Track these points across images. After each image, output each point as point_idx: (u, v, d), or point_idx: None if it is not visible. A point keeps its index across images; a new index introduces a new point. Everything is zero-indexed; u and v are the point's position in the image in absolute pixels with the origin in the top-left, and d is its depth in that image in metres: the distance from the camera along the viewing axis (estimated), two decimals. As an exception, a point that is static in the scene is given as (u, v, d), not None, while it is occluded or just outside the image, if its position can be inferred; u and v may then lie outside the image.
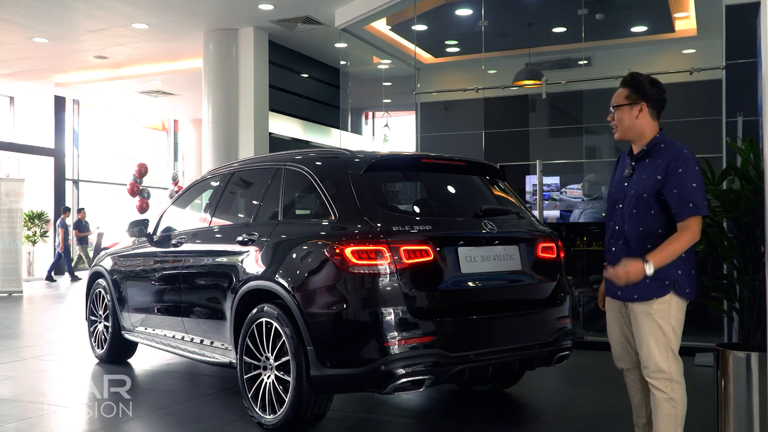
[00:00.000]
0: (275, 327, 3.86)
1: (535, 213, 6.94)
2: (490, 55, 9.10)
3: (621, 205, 3.12)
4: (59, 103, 16.91)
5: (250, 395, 4.04)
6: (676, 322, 3.03)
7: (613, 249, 3.17)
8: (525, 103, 9.80)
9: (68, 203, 17.22)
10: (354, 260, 3.55)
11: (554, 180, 9.42)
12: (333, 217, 3.83)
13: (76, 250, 15.92)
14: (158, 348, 5.35)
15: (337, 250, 3.61)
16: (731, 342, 3.85)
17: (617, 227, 3.14)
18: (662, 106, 3.12)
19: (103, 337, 6.00)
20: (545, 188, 8.68)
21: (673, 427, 3.01)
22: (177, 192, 5.92)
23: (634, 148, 3.14)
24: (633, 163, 3.12)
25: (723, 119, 6.07)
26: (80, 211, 16.10)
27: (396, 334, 3.47)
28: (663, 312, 2.99)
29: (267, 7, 9.65)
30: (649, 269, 2.88)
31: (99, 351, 6.04)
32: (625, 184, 3.13)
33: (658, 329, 3.00)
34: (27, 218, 15.44)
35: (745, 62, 5.81)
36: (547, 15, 9.35)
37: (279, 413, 3.83)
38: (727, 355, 3.39)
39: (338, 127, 11.96)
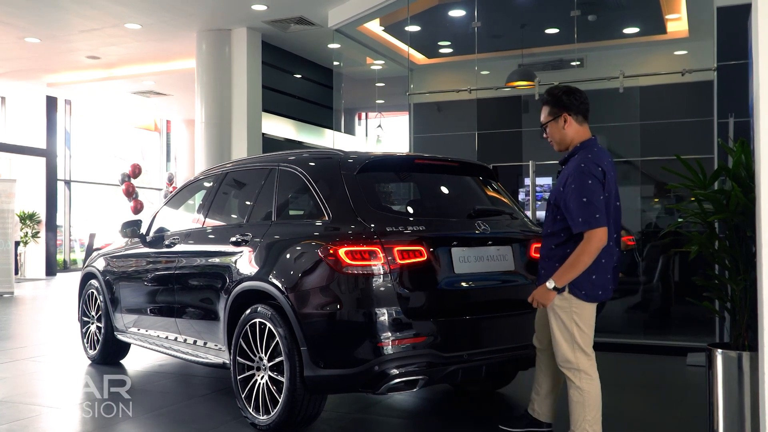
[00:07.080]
0: (269, 327, 3.86)
1: (528, 213, 6.96)
2: (483, 56, 9.11)
3: None
4: (51, 103, 16.82)
5: (243, 396, 4.04)
6: (580, 320, 3.27)
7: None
8: (518, 104, 9.80)
9: (60, 204, 17.13)
10: (347, 261, 3.55)
11: (547, 181, 9.43)
12: (326, 218, 3.84)
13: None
14: (151, 349, 5.34)
15: (331, 251, 3.61)
16: (723, 342, 3.87)
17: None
18: (586, 110, 3.42)
19: (95, 338, 5.98)
20: (538, 189, 8.69)
21: (582, 413, 3.27)
22: (172, 192, 5.92)
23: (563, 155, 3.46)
24: (560, 171, 3.43)
25: (714, 120, 6.09)
26: None
27: (389, 334, 3.48)
28: (564, 309, 3.27)
29: (260, 7, 9.64)
30: (550, 284, 3.21)
31: (91, 352, 6.03)
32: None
33: (562, 324, 3.28)
34: (19, 219, 15.35)
35: (736, 63, 5.84)
36: (540, 16, 9.36)
37: (272, 414, 3.83)
38: (719, 355, 3.43)
39: (331, 128, 11.95)
